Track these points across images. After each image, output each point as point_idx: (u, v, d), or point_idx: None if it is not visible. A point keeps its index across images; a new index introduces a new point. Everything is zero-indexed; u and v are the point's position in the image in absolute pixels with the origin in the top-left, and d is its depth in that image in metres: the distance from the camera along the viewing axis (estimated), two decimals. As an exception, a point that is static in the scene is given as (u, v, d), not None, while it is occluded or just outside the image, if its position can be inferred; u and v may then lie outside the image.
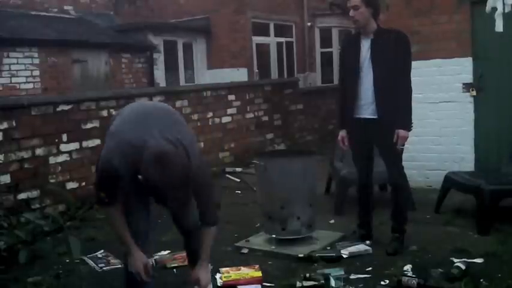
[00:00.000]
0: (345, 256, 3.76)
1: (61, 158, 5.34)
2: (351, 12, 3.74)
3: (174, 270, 3.73)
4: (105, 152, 2.49)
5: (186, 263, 3.79)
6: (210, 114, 7.33)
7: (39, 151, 5.13)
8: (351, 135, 3.96)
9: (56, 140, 5.30)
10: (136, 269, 2.59)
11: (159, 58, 11.68)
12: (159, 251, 4.05)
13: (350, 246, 3.90)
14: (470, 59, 5.62)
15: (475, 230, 4.21)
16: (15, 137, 4.93)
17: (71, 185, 5.42)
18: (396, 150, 3.77)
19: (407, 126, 3.74)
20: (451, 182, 4.79)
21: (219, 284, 3.41)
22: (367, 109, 3.77)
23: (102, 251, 4.12)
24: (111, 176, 2.45)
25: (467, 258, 3.57)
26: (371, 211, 4.12)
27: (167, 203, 2.30)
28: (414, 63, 5.87)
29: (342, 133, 3.98)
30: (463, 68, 5.64)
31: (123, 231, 2.58)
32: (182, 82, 12.07)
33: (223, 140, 7.54)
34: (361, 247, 3.88)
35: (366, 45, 3.78)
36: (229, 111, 7.68)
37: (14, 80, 8.95)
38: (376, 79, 3.71)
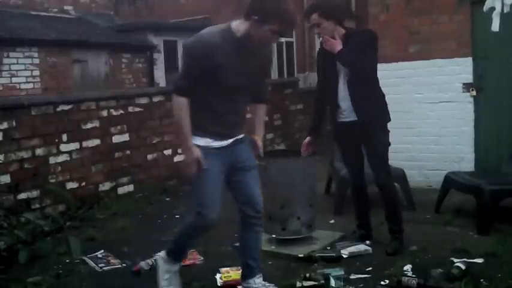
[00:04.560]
0: (345, 256, 3.76)
1: (61, 158, 5.34)
2: (315, 30, 3.79)
3: (174, 270, 3.72)
4: (197, 37, 2.81)
5: (186, 263, 3.80)
6: (210, 114, 7.31)
7: (39, 151, 5.13)
8: (337, 139, 4.05)
9: (56, 140, 5.31)
10: (192, 159, 2.83)
11: (159, 58, 11.67)
12: (159, 251, 4.04)
13: (350, 246, 3.90)
14: (470, 59, 5.62)
15: (475, 230, 4.21)
16: (15, 137, 4.93)
17: (71, 185, 5.42)
18: (380, 151, 3.82)
19: (385, 123, 3.84)
20: (451, 182, 4.79)
21: (219, 284, 3.41)
22: (349, 113, 3.79)
23: (102, 251, 4.12)
24: (204, 55, 2.74)
25: (467, 258, 3.57)
26: (368, 211, 4.13)
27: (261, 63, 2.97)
28: (414, 63, 5.91)
29: (307, 140, 4.04)
30: (463, 68, 5.64)
31: (187, 123, 2.84)
32: (182, 82, 12.04)
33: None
34: (361, 247, 3.88)
35: None
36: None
37: (14, 80, 8.95)
38: (349, 83, 3.74)
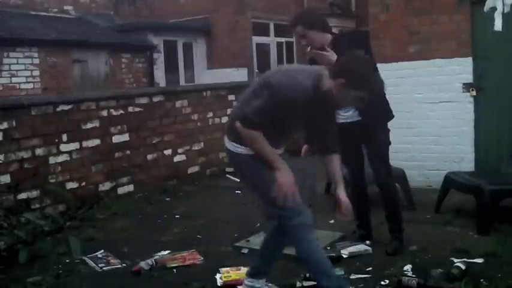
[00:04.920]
0: (345, 256, 3.76)
1: (61, 158, 5.34)
2: (302, 42, 3.80)
3: (174, 270, 3.73)
4: (291, 78, 2.73)
5: (186, 263, 3.81)
6: (210, 114, 7.33)
7: (39, 151, 5.13)
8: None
9: (56, 140, 5.31)
10: (286, 183, 2.77)
11: (159, 58, 11.68)
12: (159, 251, 4.05)
13: (350, 246, 3.90)
14: (470, 59, 5.62)
15: (475, 230, 4.21)
16: (15, 137, 4.93)
17: (71, 185, 5.42)
18: (381, 151, 3.83)
19: (386, 122, 3.85)
20: (451, 182, 4.78)
21: (219, 284, 3.41)
22: (351, 114, 3.80)
23: (102, 251, 4.12)
24: (291, 97, 2.67)
25: (467, 258, 3.57)
26: (368, 211, 4.13)
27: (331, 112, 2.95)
28: (414, 63, 5.90)
29: (304, 148, 4.08)
30: (463, 68, 5.64)
31: (270, 149, 2.79)
32: (182, 82, 12.08)
33: (224, 140, 7.52)
34: (361, 247, 3.88)
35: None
36: (229, 111, 7.66)
37: (14, 80, 8.96)
38: None
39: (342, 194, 2.98)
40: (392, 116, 3.89)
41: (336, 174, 3.05)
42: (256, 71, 12.41)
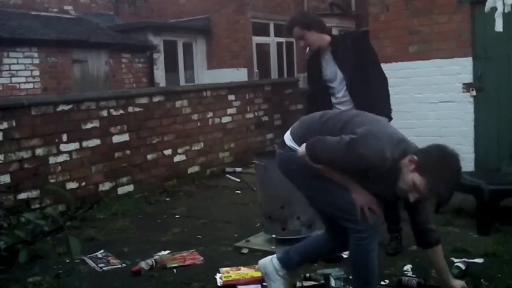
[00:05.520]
0: (344, 256, 3.75)
1: (61, 158, 5.34)
2: (300, 43, 3.79)
3: (174, 270, 3.73)
4: (375, 139, 2.55)
5: (186, 263, 3.81)
6: (210, 114, 7.33)
7: (39, 151, 5.13)
8: None
9: (56, 140, 5.31)
10: (363, 202, 2.64)
11: (159, 58, 11.68)
12: (159, 251, 4.05)
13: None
14: (470, 59, 5.63)
15: (475, 230, 4.21)
16: (15, 137, 4.93)
17: (71, 185, 5.42)
18: None
19: (386, 113, 3.79)
20: (451, 182, 4.78)
21: (219, 284, 3.41)
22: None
23: (102, 251, 4.12)
24: (370, 164, 2.52)
25: (467, 258, 3.57)
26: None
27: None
28: (414, 63, 5.90)
29: None
30: (463, 68, 5.65)
31: (338, 174, 2.67)
32: (182, 82, 12.07)
33: (223, 140, 7.54)
34: (361, 247, 3.87)
35: (329, 59, 3.84)
36: (229, 111, 7.67)
37: (14, 80, 8.96)
38: (348, 85, 3.76)
39: (458, 284, 2.92)
40: (390, 118, 3.87)
41: (445, 270, 2.94)
42: (256, 71, 12.41)
